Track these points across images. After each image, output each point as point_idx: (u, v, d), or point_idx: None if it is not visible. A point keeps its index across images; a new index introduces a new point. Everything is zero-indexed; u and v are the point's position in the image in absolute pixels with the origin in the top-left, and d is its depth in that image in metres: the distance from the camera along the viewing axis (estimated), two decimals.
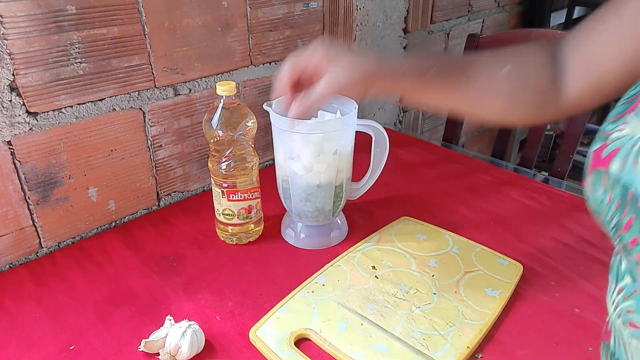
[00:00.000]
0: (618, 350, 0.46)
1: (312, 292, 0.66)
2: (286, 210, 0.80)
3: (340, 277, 0.69)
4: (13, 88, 0.67)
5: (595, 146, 0.43)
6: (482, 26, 1.59)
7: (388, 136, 0.76)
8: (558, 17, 2.00)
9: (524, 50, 0.59)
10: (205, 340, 0.60)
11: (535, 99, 0.57)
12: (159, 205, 0.90)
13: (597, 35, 0.52)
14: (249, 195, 0.74)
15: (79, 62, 0.72)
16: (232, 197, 0.74)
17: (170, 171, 0.90)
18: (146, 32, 0.78)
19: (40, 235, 0.76)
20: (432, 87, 0.57)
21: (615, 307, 0.45)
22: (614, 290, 0.45)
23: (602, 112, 2.01)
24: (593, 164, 0.43)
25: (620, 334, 0.45)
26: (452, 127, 1.27)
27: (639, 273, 0.41)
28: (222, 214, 0.75)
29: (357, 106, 0.72)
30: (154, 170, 0.87)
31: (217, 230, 0.79)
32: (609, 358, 0.47)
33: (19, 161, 0.71)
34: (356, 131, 0.74)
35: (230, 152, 0.72)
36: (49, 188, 0.75)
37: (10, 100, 0.67)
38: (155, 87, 0.82)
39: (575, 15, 2.05)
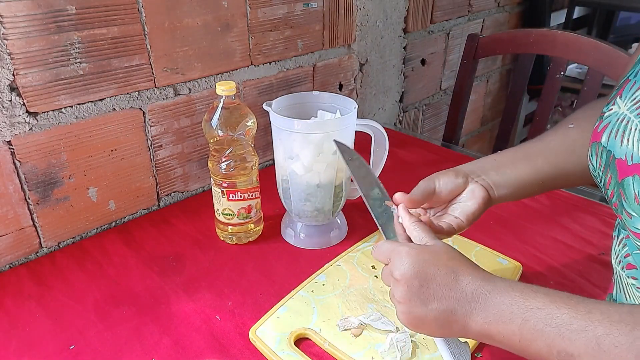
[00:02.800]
0: (619, 297, 0.53)
1: (312, 291, 0.66)
2: (286, 210, 0.80)
3: (340, 276, 0.69)
4: (13, 88, 0.67)
5: (595, 124, 0.52)
6: (482, 26, 1.59)
7: (388, 136, 0.76)
8: (558, 17, 2.00)
9: (581, 110, 0.64)
10: (206, 339, 0.60)
11: None
12: (159, 205, 0.90)
13: None
14: (248, 195, 0.74)
15: (79, 62, 0.72)
16: (232, 197, 0.74)
17: (170, 171, 0.90)
18: (146, 32, 0.78)
19: (40, 235, 0.76)
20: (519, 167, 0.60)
21: (617, 257, 0.53)
22: (616, 245, 0.54)
23: None
24: (592, 138, 0.52)
25: (621, 281, 0.53)
26: (452, 127, 1.27)
27: (623, 222, 0.49)
28: (222, 214, 0.76)
29: (356, 106, 0.72)
30: (154, 170, 0.87)
31: (217, 230, 0.79)
32: None
33: (19, 161, 0.71)
34: (356, 131, 0.74)
35: (230, 152, 0.72)
36: (49, 188, 0.75)
37: (10, 100, 0.67)
38: (155, 87, 0.82)
39: (575, 15, 2.05)
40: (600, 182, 0.52)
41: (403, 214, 0.53)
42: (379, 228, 0.55)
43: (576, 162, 0.59)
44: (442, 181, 0.58)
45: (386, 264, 0.49)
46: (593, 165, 0.53)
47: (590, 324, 0.38)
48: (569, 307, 0.40)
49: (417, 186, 0.58)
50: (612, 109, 0.51)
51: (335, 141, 0.64)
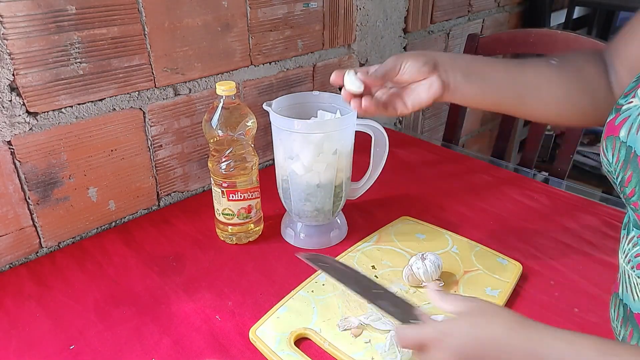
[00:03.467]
0: (626, 296, 0.53)
1: (312, 291, 0.66)
2: (286, 210, 0.80)
3: None
4: (13, 88, 0.67)
5: (610, 117, 0.50)
6: (482, 26, 1.59)
7: (388, 136, 0.76)
8: (558, 17, 2.00)
9: (572, 53, 0.64)
10: (206, 339, 0.60)
11: (587, 91, 0.60)
12: (159, 205, 0.90)
13: (634, 40, 0.57)
14: (248, 195, 0.74)
15: (79, 62, 0.72)
16: (232, 197, 0.74)
17: (170, 171, 0.90)
18: (146, 32, 0.78)
19: (40, 235, 0.76)
20: (491, 73, 0.60)
21: (626, 256, 0.52)
22: (625, 244, 0.53)
23: None
24: (607, 132, 0.50)
25: (629, 280, 0.52)
26: (452, 127, 1.27)
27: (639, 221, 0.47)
28: (222, 214, 0.76)
29: None
30: (154, 170, 0.87)
31: (217, 230, 0.79)
32: (618, 305, 0.54)
33: (19, 161, 0.71)
34: (356, 131, 0.74)
35: (230, 152, 0.72)
36: (49, 188, 0.75)
37: (10, 100, 0.67)
38: (155, 87, 0.82)
39: (575, 15, 2.05)
40: (617, 178, 0.50)
41: (432, 294, 0.50)
42: (391, 316, 0.51)
43: (538, 98, 0.60)
44: (408, 64, 0.58)
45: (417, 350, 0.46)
46: (608, 160, 0.50)
47: None
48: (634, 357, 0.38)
49: (383, 64, 0.58)
50: (631, 101, 0.48)
51: (301, 255, 0.59)
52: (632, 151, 0.46)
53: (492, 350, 0.42)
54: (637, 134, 0.46)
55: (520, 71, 0.62)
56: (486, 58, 0.63)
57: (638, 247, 0.51)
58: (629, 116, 0.47)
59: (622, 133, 0.48)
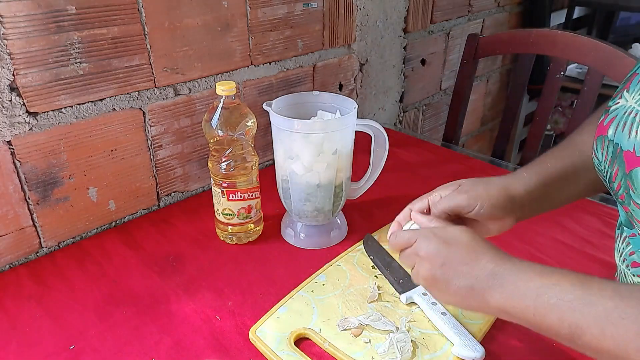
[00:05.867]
0: None
1: (312, 291, 0.66)
2: (286, 210, 0.80)
3: (340, 276, 0.69)
4: (13, 88, 0.67)
5: (601, 118, 0.53)
6: (482, 26, 1.59)
7: (388, 136, 0.76)
8: (558, 17, 2.00)
9: (575, 135, 0.62)
10: (206, 339, 0.60)
11: None
12: (159, 205, 0.90)
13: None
14: (248, 195, 0.74)
15: (79, 62, 0.72)
16: (232, 197, 0.74)
17: (170, 171, 0.90)
18: (146, 32, 0.78)
19: (40, 235, 0.76)
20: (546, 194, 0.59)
21: (621, 255, 0.54)
22: (619, 243, 0.55)
23: None
24: (597, 132, 0.53)
25: (626, 279, 0.53)
26: (452, 127, 1.27)
27: (631, 213, 0.49)
28: (222, 214, 0.76)
29: (356, 106, 0.72)
30: (154, 170, 0.87)
31: (217, 230, 0.79)
32: None
33: (19, 161, 0.71)
34: (356, 131, 0.74)
35: (230, 152, 0.72)
36: (49, 188, 0.75)
37: (10, 100, 0.67)
38: (155, 87, 0.82)
39: (575, 15, 2.05)
40: (606, 175, 0.52)
41: (418, 217, 0.56)
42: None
43: (576, 191, 0.61)
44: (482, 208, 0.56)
45: (405, 248, 0.52)
46: (598, 159, 0.53)
47: (601, 299, 0.39)
48: (583, 284, 0.41)
49: (449, 200, 0.56)
50: (618, 102, 0.51)
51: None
52: (618, 147, 0.49)
53: (455, 252, 0.48)
54: (622, 131, 0.49)
55: (563, 179, 0.60)
56: (536, 182, 0.59)
57: (631, 246, 0.52)
58: (616, 116, 0.50)
59: (610, 132, 0.51)
